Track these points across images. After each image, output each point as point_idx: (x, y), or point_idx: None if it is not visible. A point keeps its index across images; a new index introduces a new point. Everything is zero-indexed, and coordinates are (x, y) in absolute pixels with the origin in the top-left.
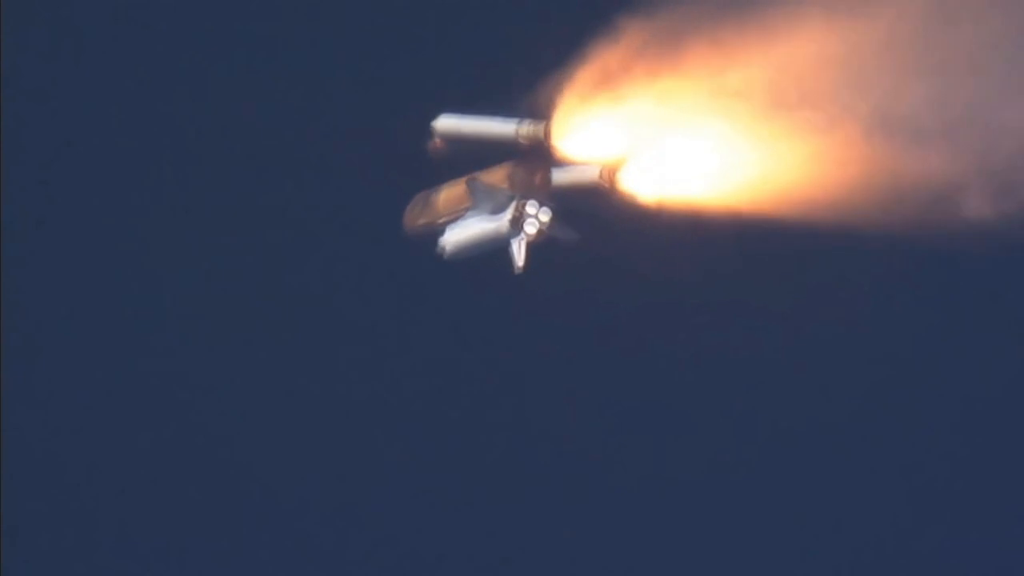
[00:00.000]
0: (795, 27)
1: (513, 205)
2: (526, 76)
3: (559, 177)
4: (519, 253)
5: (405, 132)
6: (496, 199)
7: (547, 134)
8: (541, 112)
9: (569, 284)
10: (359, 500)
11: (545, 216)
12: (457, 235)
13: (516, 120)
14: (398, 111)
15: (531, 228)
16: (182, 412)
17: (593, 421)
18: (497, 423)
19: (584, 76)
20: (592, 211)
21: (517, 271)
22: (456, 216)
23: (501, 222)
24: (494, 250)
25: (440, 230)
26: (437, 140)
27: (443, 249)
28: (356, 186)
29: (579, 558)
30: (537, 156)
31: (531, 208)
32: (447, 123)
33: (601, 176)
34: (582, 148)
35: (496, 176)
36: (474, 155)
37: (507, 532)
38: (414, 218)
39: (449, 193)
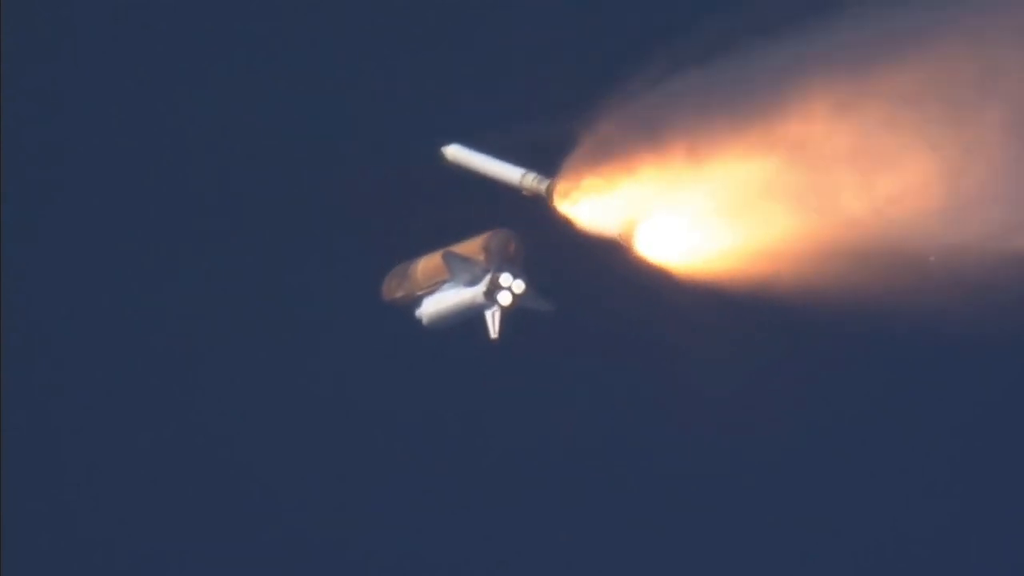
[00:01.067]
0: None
1: (488, 277)
2: (539, 127)
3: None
4: (494, 323)
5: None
6: (471, 271)
7: (550, 193)
8: (547, 170)
9: (546, 351)
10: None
11: (518, 288)
12: (434, 306)
13: (523, 171)
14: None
15: (504, 299)
16: (182, 412)
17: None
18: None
19: (590, 142)
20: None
21: (492, 339)
22: (433, 287)
23: (476, 293)
24: (470, 319)
25: (418, 301)
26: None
27: (421, 319)
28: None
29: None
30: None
31: (504, 280)
32: (456, 153)
33: (620, 236)
34: (582, 211)
35: (471, 248)
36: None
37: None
38: (392, 290)
39: (426, 265)
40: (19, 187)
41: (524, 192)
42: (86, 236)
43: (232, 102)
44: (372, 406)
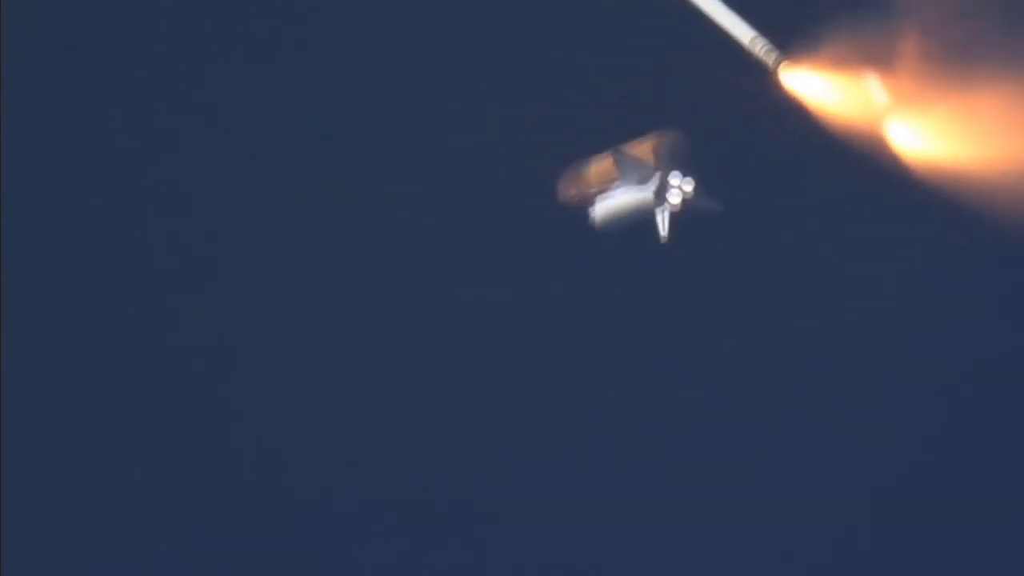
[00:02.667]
0: None
1: (657, 177)
2: None
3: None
4: (663, 223)
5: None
6: (642, 171)
7: (776, 66)
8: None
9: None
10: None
11: (688, 187)
12: (606, 206)
13: (755, 33)
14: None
15: (674, 199)
16: (182, 412)
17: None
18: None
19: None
20: None
21: (662, 240)
22: (605, 187)
23: (646, 193)
24: (643, 218)
25: (591, 200)
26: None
27: (594, 219)
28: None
29: None
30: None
31: (674, 179)
32: None
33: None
34: (816, 88)
35: (642, 149)
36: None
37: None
38: (567, 189)
39: (598, 166)
40: (19, 187)
41: (753, 55)
42: (87, 236)
43: (236, 100)
44: (543, 304)
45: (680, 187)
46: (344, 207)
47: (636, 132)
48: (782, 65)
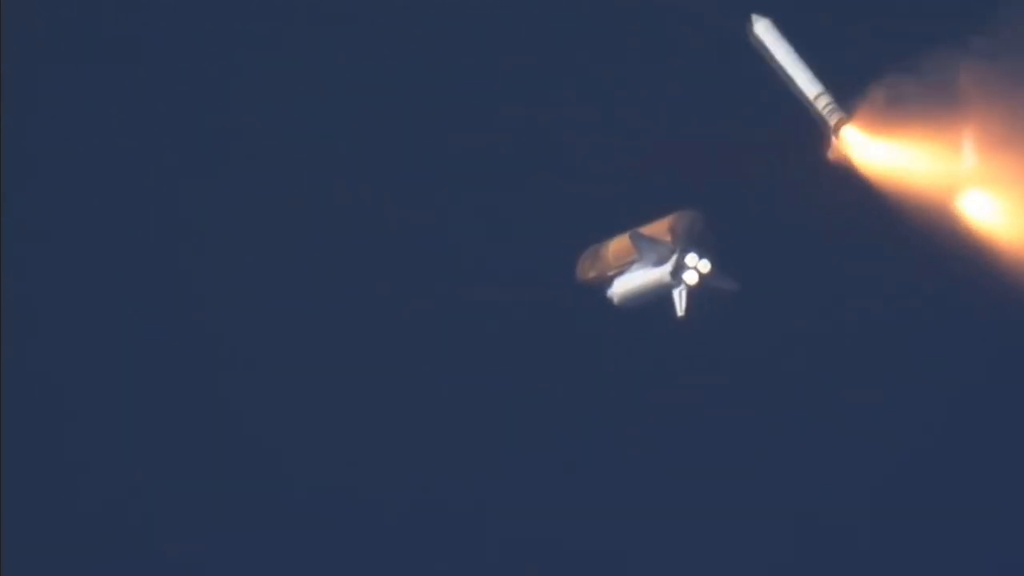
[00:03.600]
0: None
1: (674, 257)
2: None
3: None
4: (680, 301)
5: None
6: (659, 251)
7: (838, 127)
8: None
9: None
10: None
11: (704, 267)
12: (624, 285)
13: (821, 89)
14: None
15: (691, 278)
16: (182, 412)
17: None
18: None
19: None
20: None
21: (680, 318)
22: (623, 268)
23: (663, 273)
24: (658, 297)
25: (609, 281)
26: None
27: (612, 298)
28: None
29: None
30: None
31: (690, 260)
32: (765, 31)
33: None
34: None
35: (658, 228)
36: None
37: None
38: (586, 270)
39: (617, 247)
40: (19, 186)
41: (817, 113)
42: (86, 236)
43: (236, 100)
44: (567, 381)
45: (696, 268)
46: (348, 214)
47: (658, 211)
48: (842, 125)
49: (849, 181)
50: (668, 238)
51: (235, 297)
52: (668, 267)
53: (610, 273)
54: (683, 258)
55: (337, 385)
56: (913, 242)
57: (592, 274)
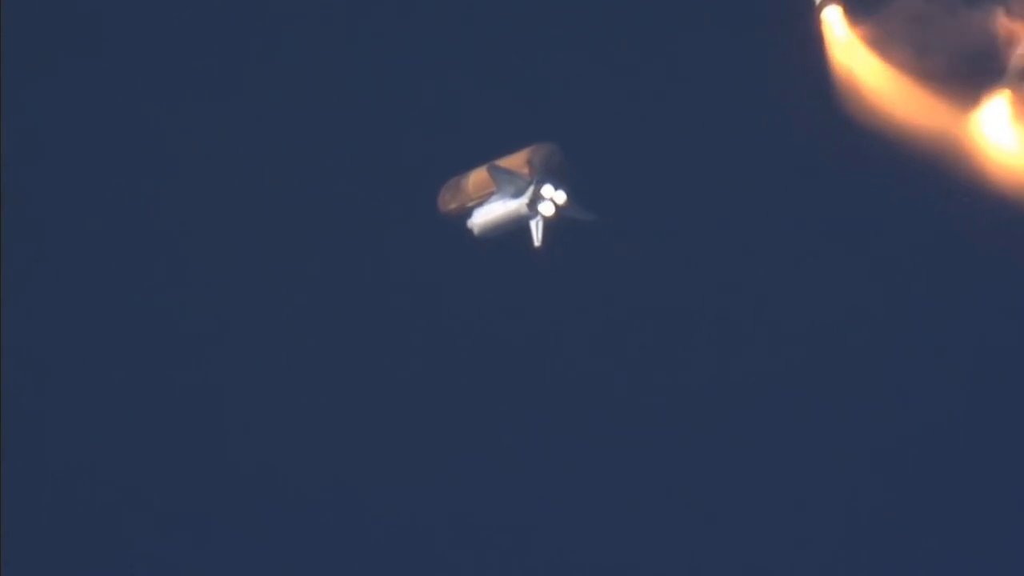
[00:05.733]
0: None
1: (531, 189)
2: None
3: None
4: (537, 231)
5: None
6: (516, 183)
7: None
8: None
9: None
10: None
11: (560, 198)
12: (483, 217)
13: None
14: None
15: (547, 209)
16: (182, 413)
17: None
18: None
19: None
20: None
21: (536, 247)
22: (483, 199)
23: (520, 204)
24: (518, 228)
25: (469, 211)
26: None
27: (472, 228)
28: None
29: None
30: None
31: (547, 191)
32: None
33: None
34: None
35: (516, 161)
36: None
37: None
38: (446, 202)
39: (476, 178)
40: (19, 186)
41: None
42: (87, 237)
43: (236, 99)
44: (430, 312)
45: (552, 199)
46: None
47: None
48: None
49: None
50: (525, 170)
51: (236, 296)
52: (525, 199)
53: (470, 204)
54: (539, 189)
55: None
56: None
57: (453, 205)
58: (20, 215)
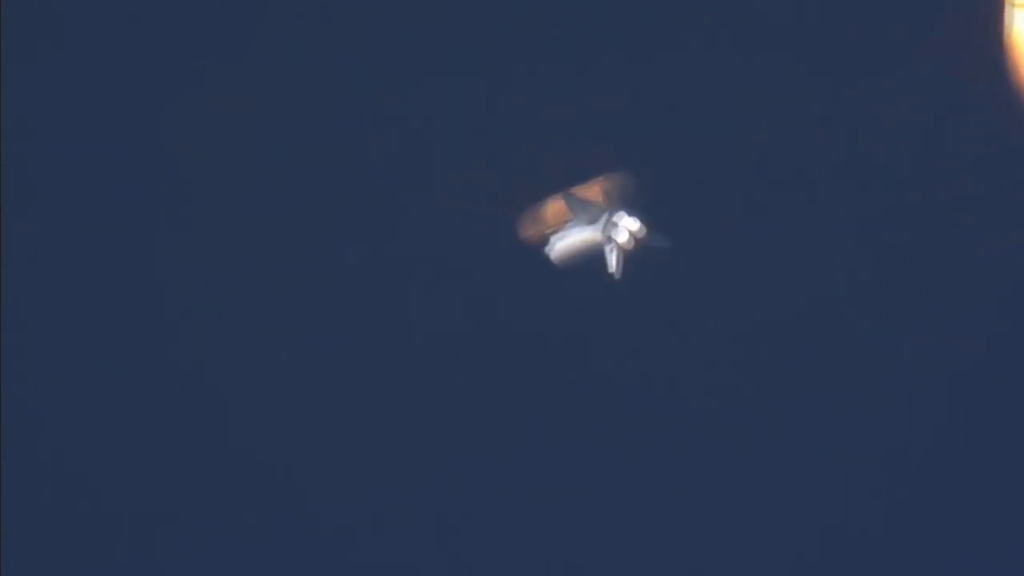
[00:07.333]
0: None
1: (605, 217)
2: None
3: None
4: (612, 259)
5: None
6: (591, 211)
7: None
8: None
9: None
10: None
11: (634, 226)
12: (559, 245)
13: None
14: None
15: (622, 238)
16: (182, 413)
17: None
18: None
19: None
20: None
21: (612, 276)
22: (560, 227)
23: (595, 232)
24: (595, 256)
25: (547, 239)
26: None
27: (550, 256)
28: None
29: None
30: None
31: (619, 219)
32: None
33: None
34: None
35: (591, 190)
36: None
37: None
38: (526, 229)
39: (553, 206)
40: (19, 185)
41: None
42: (88, 237)
43: (236, 99)
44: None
45: (627, 227)
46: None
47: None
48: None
49: None
50: (600, 199)
51: (237, 296)
52: (599, 226)
53: (547, 232)
54: (614, 218)
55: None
56: None
57: (531, 232)
58: (20, 215)
